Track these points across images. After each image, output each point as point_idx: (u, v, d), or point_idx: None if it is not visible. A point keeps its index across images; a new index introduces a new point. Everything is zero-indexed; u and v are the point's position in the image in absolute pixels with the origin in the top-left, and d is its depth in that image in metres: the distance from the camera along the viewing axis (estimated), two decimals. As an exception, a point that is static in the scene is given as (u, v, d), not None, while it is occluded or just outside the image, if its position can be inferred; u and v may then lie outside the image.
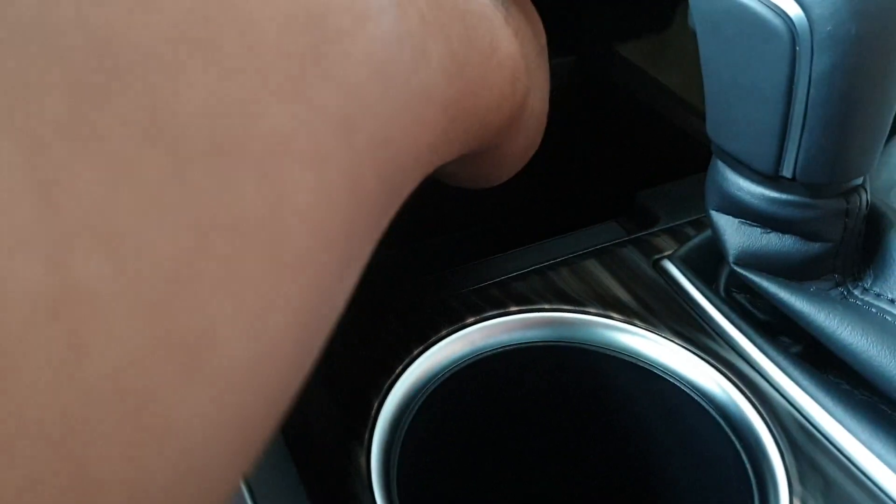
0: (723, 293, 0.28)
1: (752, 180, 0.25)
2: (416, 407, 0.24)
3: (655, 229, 0.30)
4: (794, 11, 0.21)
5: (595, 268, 0.28)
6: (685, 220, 0.30)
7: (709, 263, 0.28)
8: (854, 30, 0.21)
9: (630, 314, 0.26)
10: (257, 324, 0.13)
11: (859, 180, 0.24)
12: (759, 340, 0.26)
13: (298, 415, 0.18)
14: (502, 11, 0.23)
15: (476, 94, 0.21)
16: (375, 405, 0.24)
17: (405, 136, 0.18)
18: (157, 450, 0.11)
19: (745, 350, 0.25)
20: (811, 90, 0.22)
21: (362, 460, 0.22)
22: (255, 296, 0.13)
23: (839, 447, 0.23)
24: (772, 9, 0.22)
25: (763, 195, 0.24)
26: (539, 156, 0.29)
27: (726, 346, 0.26)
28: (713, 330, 0.26)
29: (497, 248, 0.30)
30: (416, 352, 0.25)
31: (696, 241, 0.29)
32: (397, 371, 0.24)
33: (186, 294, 0.11)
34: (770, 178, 0.24)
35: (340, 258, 0.16)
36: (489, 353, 0.26)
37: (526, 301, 0.27)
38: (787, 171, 0.24)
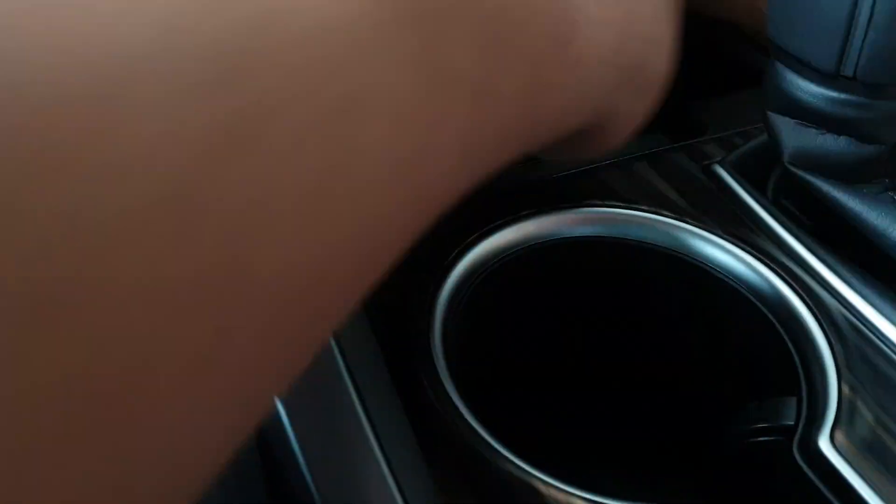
0: (771, 199, 0.28)
1: (812, 80, 0.25)
2: (472, 287, 0.24)
3: (704, 138, 0.30)
4: None
5: (645, 170, 0.29)
6: (733, 131, 0.30)
7: (758, 170, 0.28)
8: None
9: (681, 213, 0.27)
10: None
11: (919, 83, 0.25)
12: (809, 241, 0.26)
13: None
14: None
15: (542, 92, 0.18)
16: (433, 284, 0.24)
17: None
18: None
19: (795, 250, 0.26)
20: (880, -16, 0.22)
21: (424, 326, 0.22)
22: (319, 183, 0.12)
23: (889, 342, 0.24)
24: None
25: (822, 94, 0.25)
26: None
27: (777, 246, 0.26)
28: (763, 231, 0.27)
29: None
30: (472, 237, 0.25)
31: (745, 147, 0.29)
32: (455, 253, 0.25)
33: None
34: (830, 78, 0.24)
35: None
36: (541, 244, 0.26)
37: (577, 198, 0.27)
38: (848, 70, 0.24)
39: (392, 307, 0.23)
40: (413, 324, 0.22)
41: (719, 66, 0.35)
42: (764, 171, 0.28)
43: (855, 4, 0.23)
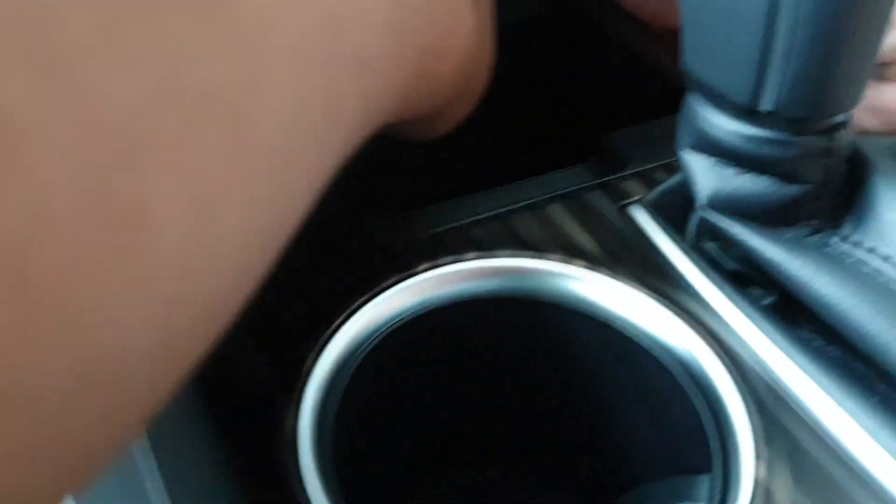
0: (692, 241, 0.26)
1: (729, 115, 0.23)
2: (357, 362, 0.22)
3: (624, 173, 0.28)
4: (779, -80, 0.19)
5: (559, 213, 0.26)
6: (656, 164, 0.28)
7: (678, 210, 0.26)
8: (844, -58, 0.19)
9: (594, 263, 0.24)
10: (204, 211, 0.11)
11: (843, 117, 0.22)
12: (729, 292, 0.24)
13: (218, 366, 0.16)
14: None
15: (439, 58, 0.21)
16: (310, 359, 0.21)
17: (384, 66, 0.17)
18: (55, 346, 0.09)
19: (712, 302, 0.24)
20: (797, 10, 0.20)
21: (289, 419, 0.20)
22: (206, 176, 0.11)
23: (808, 407, 0.21)
24: (754, -82, 0.19)
25: (740, 132, 0.22)
26: (504, 94, 0.27)
27: (693, 298, 0.24)
28: (680, 280, 0.24)
29: (456, 194, 0.27)
30: (358, 302, 0.23)
31: (665, 186, 0.27)
32: (337, 323, 0.22)
33: (126, 152, 0.10)
34: (748, 113, 0.22)
35: (306, 168, 0.15)
36: (441, 305, 0.24)
37: (484, 248, 0.25)
38: (766, 104, 0.21)
39: (249, 394, 0.20)
40: (276, 416, 0.20)
41: (642, 92, 0.33)
42: (685, 210, 0.26)
43: (771, 32, 0.21)
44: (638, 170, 0.28)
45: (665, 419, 0.23)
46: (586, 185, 0.27)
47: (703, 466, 0.21)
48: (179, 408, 0.18)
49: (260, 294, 0.14)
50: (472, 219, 0.26)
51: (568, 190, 0.27)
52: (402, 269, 0.24)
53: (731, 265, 0.25)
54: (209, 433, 0.19)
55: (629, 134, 0.29)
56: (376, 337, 0.23)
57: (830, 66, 0.20)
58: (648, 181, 0.27)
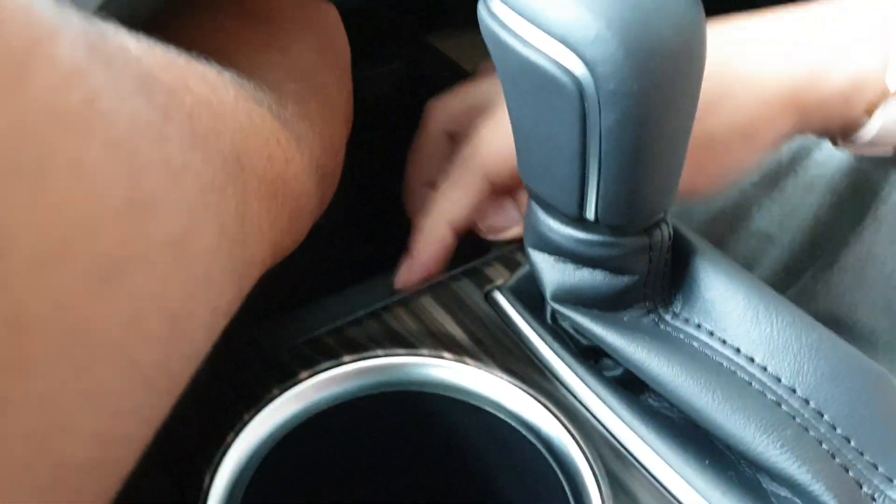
0: (550, 321, 0.29)
1: (561, 221, 0.25)
2: (250, 476, 0.24)
3: (488, 257, 0.30)
4: (580, 70, 0.22)
5: (430, 305, 0.29)
6: (515, 246, 0.31)
7: (537, 292, 0.29)
8: (636, 87, 0.22)
9: (462, 352, 0.27)
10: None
11: (660, 215, 0.26)
12: (580, 370, 0.27)
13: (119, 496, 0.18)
14: (299, 154, 0.24)
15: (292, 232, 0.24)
16: (207, 479, 0.24)
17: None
18: None
19: (566, 380, 0.27)
20: (602, 142, 0.23)
21: None
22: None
23: (651, 472, 0.25)
24: (560, 68, 0.22)
25: (571, 236, 0.25)
26: (370, 174, 0.29)
27: (550, 378, 0.27)
28: (539, 361, 0.27)
29: (333, 285, 0.30)
30: (246, 417, 0.25)
31: (524, 270, 0.29)
32: (228, 440, 0.24)
33: None
34: (576, 220, 0.25)
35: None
36: (323, 409, 0.26)
37: (360, 348, 0.27)
38: (589, 215, 0.24)
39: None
40: None
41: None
42: (542, 293, 0.29)
43: (584, 157, 0.23)
44: (500, 253, 0.31)
45: (537, 493, 0.26)
46: (454, 273, 0.30)
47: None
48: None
49: None
50: (349, 318, 0.28)
51: (437, 280, 0.30)
52: (286, 377, 0.26)
53: (584, 341, 0.28)
54: None
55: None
56: (266, 448, 0.25)
57: (637, 184, 0.23)
58: (510, 264, 0.30)
